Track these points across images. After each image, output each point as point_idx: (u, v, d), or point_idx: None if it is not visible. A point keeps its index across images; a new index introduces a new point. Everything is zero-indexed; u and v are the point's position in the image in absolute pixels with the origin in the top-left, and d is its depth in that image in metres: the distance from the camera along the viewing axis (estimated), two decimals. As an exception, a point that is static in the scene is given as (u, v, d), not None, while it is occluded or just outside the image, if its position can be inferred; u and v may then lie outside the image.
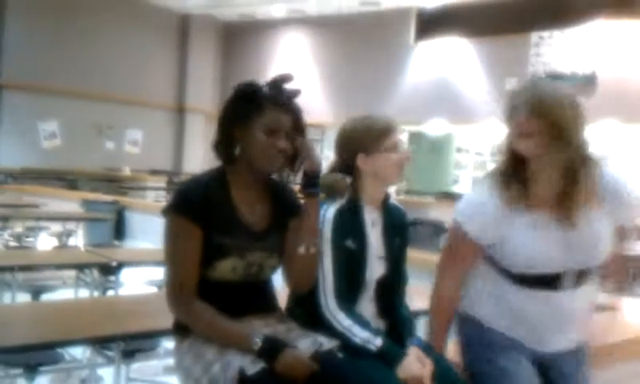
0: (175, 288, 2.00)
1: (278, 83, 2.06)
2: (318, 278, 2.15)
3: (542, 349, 2.17)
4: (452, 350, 2.31)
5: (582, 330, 2.21)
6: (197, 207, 1.98)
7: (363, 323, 2.13)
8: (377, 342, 2.07)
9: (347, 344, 2.06)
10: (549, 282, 2.10)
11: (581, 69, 13.76)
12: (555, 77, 14.11)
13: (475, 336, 2.24)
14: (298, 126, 2.07)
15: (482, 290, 2.22)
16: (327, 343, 2.00)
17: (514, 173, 2.12)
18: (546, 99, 2.09)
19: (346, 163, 2.27)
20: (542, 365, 2.19)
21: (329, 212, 2.19)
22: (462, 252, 2.22)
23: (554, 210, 2.08)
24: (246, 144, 2.04)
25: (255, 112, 2.01)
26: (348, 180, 2.25)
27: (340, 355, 1.99)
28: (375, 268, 2.24)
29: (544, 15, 14.06)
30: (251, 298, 2.09)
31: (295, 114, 2.06)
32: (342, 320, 2.11)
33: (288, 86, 2.07)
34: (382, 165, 2.22)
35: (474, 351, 2.25)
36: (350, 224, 2.20)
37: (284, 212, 2.14)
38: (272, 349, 1.89)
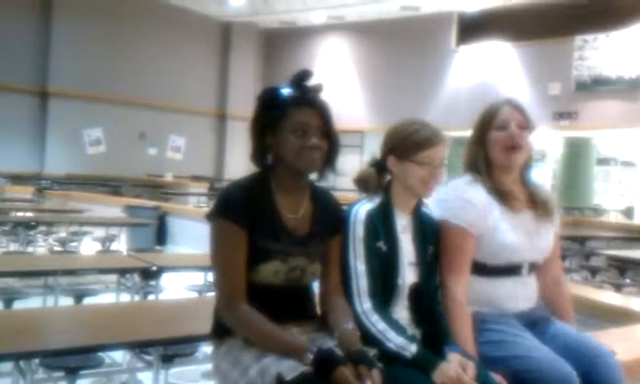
0: (226, 293, 1.99)
1: (297, 81, 2.04)
2: (350, 280, 2.12)
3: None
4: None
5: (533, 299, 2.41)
6: (241, 211, 1.97)
7: (399, 328, 2.07)
8: (412, 349, 2.02)
9: (381, 349, 2.02)
10: (512, 270, 2.31)
11: (626, 73, 13.50)
12: (600, 82, 13.88)
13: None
14: (325, 121, 2.05)
15: None
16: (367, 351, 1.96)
17: (488, 173, 2.33)
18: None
19: (381, 161, 2.25)
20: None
21: (360, 212, 2.16)
22: (467, 249, 2.26)
23: (524, 206, 2.33)
24: (278, 149, 2.03)
25: (280, 116, 2.00)
26: (383, 178, 2.24)
27: (379, 365, 1.95)
28: (407, 274, 2.19)
29: (588, 19, 13.86)
30: (292, 303, 2.07)
31: (321, 109, 2.04)
32: (376, 323, 2.07)
33: (309, 82, 2.05)
34: (407, 174, 2.19)
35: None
36: (381, 225, 2.17)
37: (326, 222, 2.13)
38: (325, 363, 1.86)
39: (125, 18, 16.19)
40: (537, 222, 2.34)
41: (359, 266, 2.12)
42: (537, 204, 2.36)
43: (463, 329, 2.20)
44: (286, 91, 2.03)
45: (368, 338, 2.04)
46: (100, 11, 15.78)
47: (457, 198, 2.29)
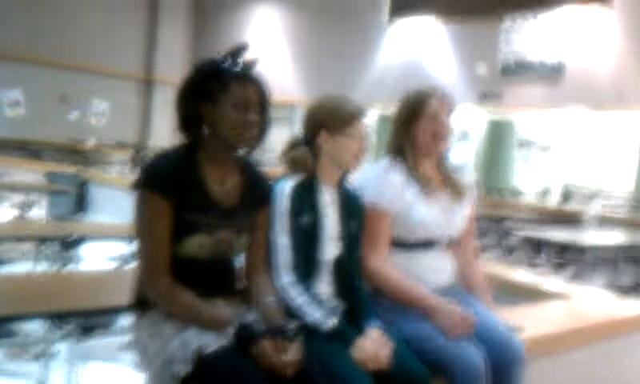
0: (149, 266, 1.97)
1: (237, 54, 2.04)
2: (273, 254, 2.15)
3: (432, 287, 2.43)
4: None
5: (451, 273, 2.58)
6: (166, 182, 1.95)
7: (318, 302, 2.12)
8: (330, 323, 2.06)
9: (301, 322, 2.05)
10: (430, 244, 2.47)
11: (549, 58, 13.89)
12: (523, 66, 14.26)
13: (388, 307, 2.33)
14: (263, 97, 2.05)
15: None
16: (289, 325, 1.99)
17: (412, 156, 2.48)
18: None
19: (309, 138, 2.28)
20: None
21: (286, 186, 2.20)
22: (384, 227, 2.40)
23: (440, 187, 2.50)
24: (215, 122, 2.01)
25: (221, 89, 1.99)
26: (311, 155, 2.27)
27: (299, 338, 1.98)
28: (329, 248, 2.24)
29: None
30: (218, 277, 2.08)
31: (260, 86, 2.05)
32: (295, 297, 2.11)
33: (246, 55, 2.05)
34: (340, 147, 2.25)
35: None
36: (306, 200, 2.21)
37: (254, 195, 2.14)
38: (246, 336, 1.88)
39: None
40: (451, 201, 2.52)
41: (282, 240, 2.16)
42: (451, 186, 2.54)
43: (406, 293, 2.34)
44: (227, 64, 2.01)
45: (288, 311, 2.07)
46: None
47: (375, 178, 2.44)
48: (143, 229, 1.98)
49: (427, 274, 2.46)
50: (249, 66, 2.05)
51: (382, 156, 2.53)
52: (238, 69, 2.02)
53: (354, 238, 2.32)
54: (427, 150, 2.47)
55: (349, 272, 2.28)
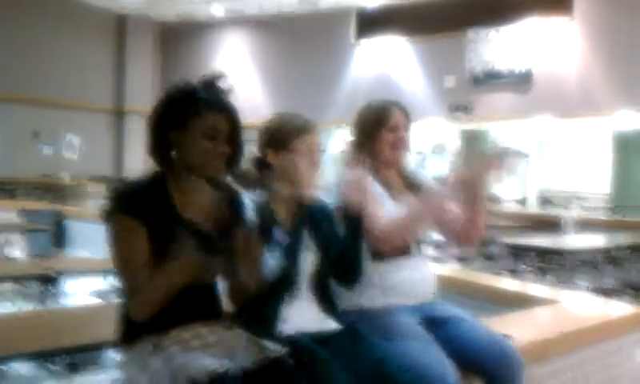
0: (133, 285, 1.92)
1: (212, 83, 2.03)
2: None
3: (413, 302, 2.46)
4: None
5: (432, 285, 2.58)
6: (137, 205, 1.93)
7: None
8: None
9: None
10: (406, 252, 2.49)
11: (517, 66, 14.09)
12: (492, 75, 14.43)
13: (369, 326, 2.31)
14: (235, 128, 2.04)
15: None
16: (274, 349, 1.98)
17: (373, 166, 2.50)
18: None
19: (261, 158, 2.29)
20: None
21: (248, 202, 2.18)
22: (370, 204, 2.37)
23: (404, 191, 2.56)
24: (184, 148, 2.00)
25: (193, 116, 1.97)
26: (265, 174, 2.28)
27: (290, 362, 1.97)
28: (304, 264, 2.24)
29: (479, 15, 14.41)
30: (197, 302, 2.05)
31: (232, 115, 2.03)
32: None
33: (221, 84, 2.04)
34: (287, 164, 2.25)
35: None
36: (269, 217, 2.19)
37: (228, 216, 2.12)
38: (211, 246, 1.93)
39: (14, 10, 15.46)
40: None
41: None
42: (413, 188, 2.61)
43: (400, 224, 2.38)
44: (201, 91, 2.00)
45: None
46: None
47: (341, 178, 2.41)
48: (120, 255, 1.94)
49: (406, 287, 2.47)
50: (222, 94, 2.04)
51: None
52: (211, 97, 2.01)
53: (327, 245, 2.29)
54: (387, 159, 2.55)
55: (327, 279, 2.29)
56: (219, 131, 2.00)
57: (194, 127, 1.97)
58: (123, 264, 1.94)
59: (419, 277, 2.52)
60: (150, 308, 1.92)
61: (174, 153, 2.03)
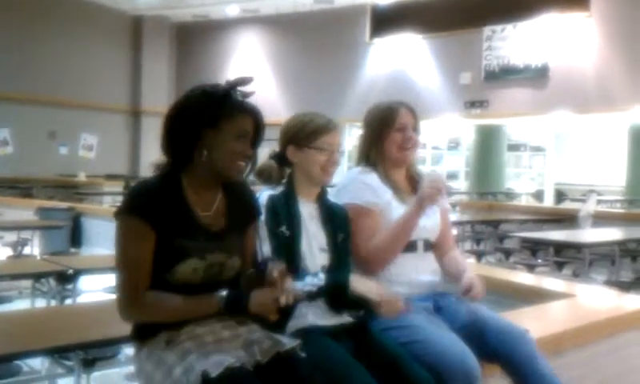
0: (127, 292, 1.94)
1: (239, 86, 2.04)
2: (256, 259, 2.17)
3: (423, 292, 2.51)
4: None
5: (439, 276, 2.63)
6: (149, 208, 1.94)
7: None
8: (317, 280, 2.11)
9: None
10: (409, 247, 2.51)
11: (534, 61, 14.01)
12: (508, 71, 14.36)
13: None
14: (258, 130, 2.07)
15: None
16: (288, 343, 1.98)
17: (382, 165, 2.58)
18: None
19: (281, 153, 2.35)
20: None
21: (262, 197, 2.25)
22: (371, 224, 2.47)
23: (410, 192, 2.56)
24: (214, 149, 2.00)
25: (226, 117, 1.99)
26: (285, 170, 2.35)
27: (302, 354, 1.98)
28: (317, 260, 2.26)
29: (495, 10, 14.34)
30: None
31: (258, 118, 2.06)
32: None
33: (247, 87, 2.06)
34: (307, 161, 2.31)
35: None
36: (284, 211, 2.24)
37: (241, 214, 2.13)
38: (237, 299, 1.92)
39: (31, 12, 15.60)
40: None
41: (264, 249, 2.18)
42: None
43: (395, 238, 2.43)
44: (233, 94, 2.02)
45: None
46: (3, 5, 15.15)
47: (354, 181, 2.54)
48: (123, 256, 1.96)
49: (410, 274, 2.51)
50: (246, 97, 2.05)
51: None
52: (242, 100, 2.03)
53: (343, 249, 2.34)
54: (395, 158, 2.58)
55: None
56: (248, 134, 2.03)
57: (227, 129, 1.99)
58: (123, 264, 1.97)
59: (423, 265, 2.56)
60: (153, 318, 1.98)
61: (205, 152, 2.02)
